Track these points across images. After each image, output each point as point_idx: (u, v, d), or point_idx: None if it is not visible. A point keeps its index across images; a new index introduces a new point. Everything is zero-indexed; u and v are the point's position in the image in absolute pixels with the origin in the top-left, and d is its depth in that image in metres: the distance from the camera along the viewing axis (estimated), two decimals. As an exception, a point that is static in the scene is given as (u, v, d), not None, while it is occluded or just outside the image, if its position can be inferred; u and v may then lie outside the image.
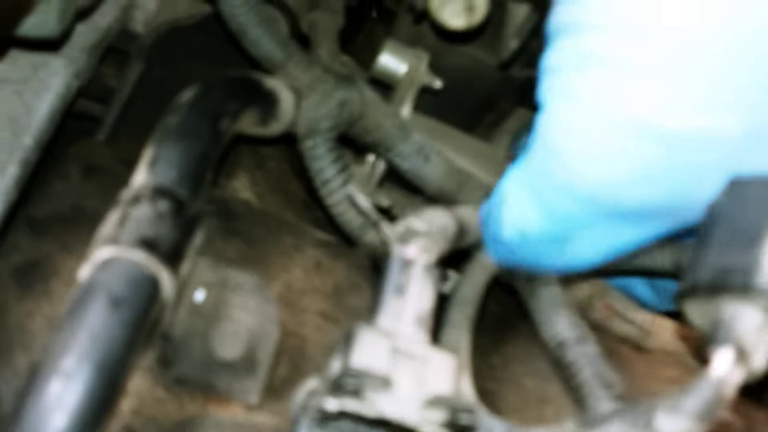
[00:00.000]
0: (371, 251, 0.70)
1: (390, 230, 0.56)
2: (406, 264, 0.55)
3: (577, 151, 0.52)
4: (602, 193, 0.53)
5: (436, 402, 0.48)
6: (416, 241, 0.56)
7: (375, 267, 0.76)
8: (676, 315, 0.92)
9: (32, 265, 0.60)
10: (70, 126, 0.85)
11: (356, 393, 0.46)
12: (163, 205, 0.52)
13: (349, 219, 0.68)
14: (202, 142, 0.56)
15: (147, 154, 0.55)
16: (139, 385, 0.57)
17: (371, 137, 0.73)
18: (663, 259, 0.66)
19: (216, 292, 0.58)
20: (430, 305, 0.55)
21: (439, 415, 0.48)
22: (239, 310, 0.58)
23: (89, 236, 0.62)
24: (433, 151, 0.74)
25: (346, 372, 0.47)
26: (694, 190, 0.50)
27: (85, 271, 0.50)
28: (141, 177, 0.53)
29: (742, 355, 0.43)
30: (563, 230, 0.57)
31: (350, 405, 0.46)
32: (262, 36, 0.70)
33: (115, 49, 0.90)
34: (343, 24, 0.87)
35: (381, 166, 0.79)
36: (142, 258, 0.49)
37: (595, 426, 0.49)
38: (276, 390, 0.60)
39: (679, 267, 0.65)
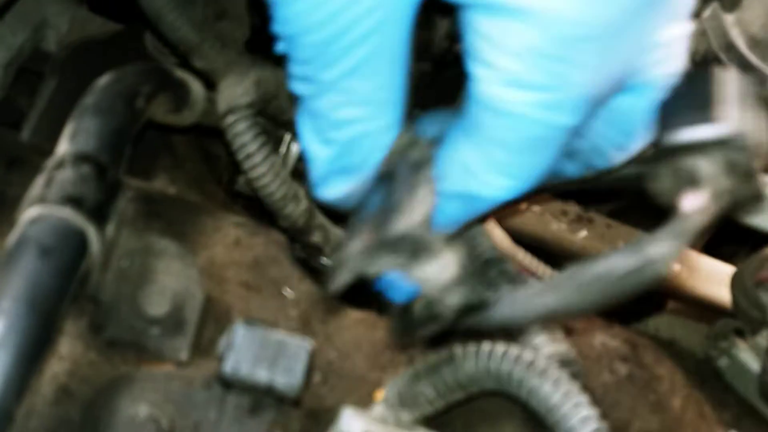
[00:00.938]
0: (291, 224, 0.74)
1: None
2: None
3: None
4: None
5: None
6: None
7: (292, 241, 0.80)
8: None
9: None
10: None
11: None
12: (86, 168, 0.56)
13: (272, 191, 0.71)
14: (119, 117, 0.60)
15: (67, 130, 0.59)
16: (72, 349, 0.59)
17: (287, 116, 0.77)
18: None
19: (141, 258, 0.61)
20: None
21: None
22: (164, 274, 0.61)
23: (13, 219, 0.65)
24: None
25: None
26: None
27: (15, 232, 0.53)
28: (63, 147, 0.57)
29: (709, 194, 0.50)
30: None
31: None
32: (177, 19, 0.75)
33: (27, 69, 0.93)
34: (248, 35, 0.93)
35: (296, 148, 0.83)
36: (68, 213, 0.53)
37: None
38: (204, 349, 0.63)
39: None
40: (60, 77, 0.89)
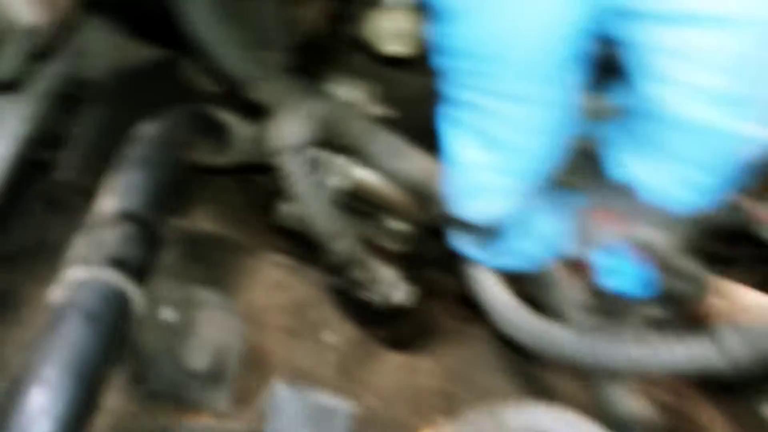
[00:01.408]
0: (336, 259, 0.74)
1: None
2: None
3: None
4: None
5: None
6: None
7: (335, 284, 0.80)
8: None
9: (2, 296, 0.62)
10: (25, 170, 0.88)
11: None
12: (130, 227, 0.55)
13: (321, 228, 0.71)
14: (162, 170, 0.60)
15: (109, 183, 0.59)
16: (114, 402, 0.59)
17: (341, 142, 0.76)
18: None
19: (182, 310, 0.61)
20: None
21: None
22: (205, 325, 0.61)
23: (55, 265, 0.65)
24: (402, 147, 0.76)
25: None
26: None
27: (57, 291, 0.53)
28: (106, 202, 0.57)
29: None
30: None
31: None
32: (232, 53, 0.74)
33: (67, 95, 0.93)
34: (289, 62, 0.92)
35: (331, 182, 0.83)
36: (112, 277, 0.52)
37: None
38: (244, 399, 0.63)
39: None
40: (100, 106, 0.89)
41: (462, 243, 0.65)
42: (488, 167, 0.51)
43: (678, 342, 0.53)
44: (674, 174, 0.47)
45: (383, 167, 0.77)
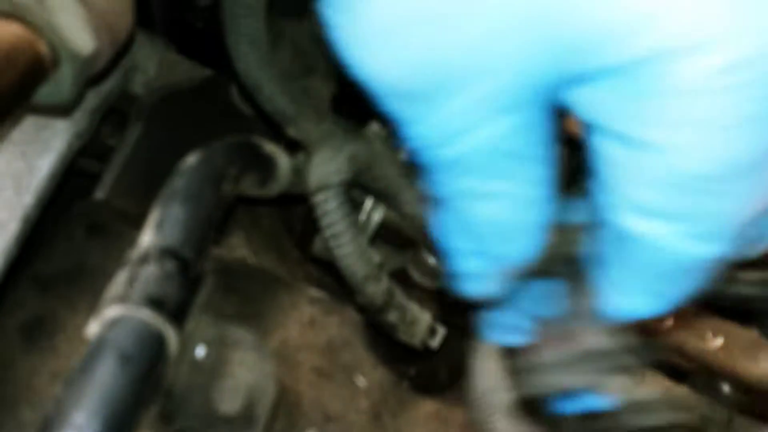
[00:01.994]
0: (369, 302, 0.73)
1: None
2: None
3: None
4: None
5: None
6: None
7: (369, 321, 0.79)
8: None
9: (37, 322, 0.62)
10: (67, 183, 0.88)
11: None
12: (170, 265, 0.54)
13: (356, 270, 0.71)
14: (206, 205, 0.59)
15: (153, 216, 0.58)
16: (140, 439, 0.58)
17: (377, 185, 0.76)
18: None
19: (216, 349, 0.60)
20: None
21: None
22: (238, 366, 0.60)
23: (92, 293, 0.64)
24: None
25: None
26: None
27: (94, 328, 0.52)
28: (148, 238, 0.56)
29: None
30: None
31: None
32: (275, 92, 0.74)
33: (114, 109, 0.93)
34: (335, 89, 0.91)
35: (376, 217, 0.82)
36: (149, 316, 0.51)
37: None
38: (272, 444, 0.62)
39: None
40: (145, 125, 0.89)
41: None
42: (473, 257, 0.51)
43: None
44: (628, 281, 0.47)
45: (415, 215, 0.77)
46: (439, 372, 0.88)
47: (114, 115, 0.94)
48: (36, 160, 0.83)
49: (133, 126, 0.90)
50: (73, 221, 0.68)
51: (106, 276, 0.65)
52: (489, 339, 0.64)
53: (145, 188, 0.83)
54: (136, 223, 0.70)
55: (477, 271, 0.51)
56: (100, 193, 0.88)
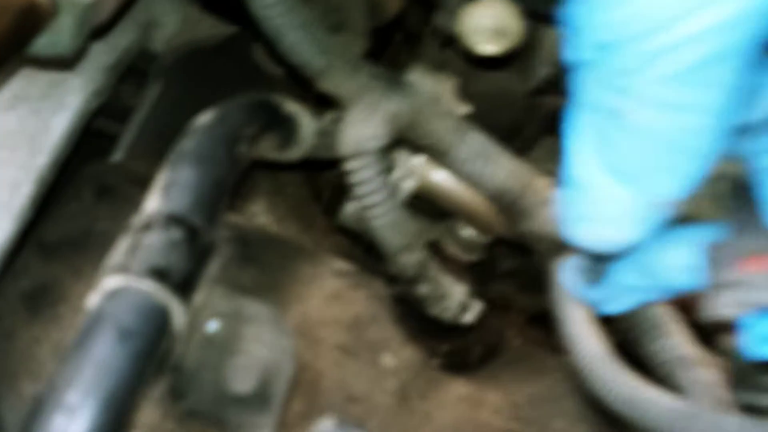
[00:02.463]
0: (401, 273, 0.67)
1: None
2: None
3: None
4: None
5: None
6: None
7: (397, 297, 0.74)
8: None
9: (41, 290, 0.58)
10: (86, 144, 0.84)
11: None
12: (176, 232, 0.50)
13: (391, 241, 0.65)
14: (218, 167, 0.54)
15: (160, 179, 0.53)
16: (149, 416, 0.54)
17: (424, 142, 0.69)
18: None
19: (230, 323, 0.56)
20: None
21: None
22: (253, 343, 0.55)
23: (99, 260, 0.60)
24: (493, 150, 0.69)
25: None
26: None
27: (93, 300, 0.48)
28: (153, 203, 0.52)
29: None
30: None
31: None
32: (300, 40, 0.64)
33: (134, 68, 0.89)
34: (367, 47, 0.85)
35: (407, 186, 0.76)
36: (152, 288, 0.47)
37: None
38: (290, 426, 0.58)
39: None
40: (163, 84, 0.84)
41: (565, 271, 0.56)
42: (616, 188, 0.42)
43: None
44: None
45: (469, 173, 0.70)
46: (473, 350, 0.83)
47: (134, 74, 0.90)
48: (50, 118, 0.79)
49: (152, 85, 0.86)
50: (83, 183, 0.64)
51: (114, 243, 0.61)
52: (598, 303, 0.55)
53: (160, 150, 0.78)
54: (147, 185, 0.66)
55: (620, 210, 0.43)
56: (116, 155, 0.84)
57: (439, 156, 0.71)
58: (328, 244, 0.83)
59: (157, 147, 0.79)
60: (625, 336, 0.60)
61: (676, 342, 0.57)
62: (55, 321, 0.57)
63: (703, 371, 0.55)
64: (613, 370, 0.52)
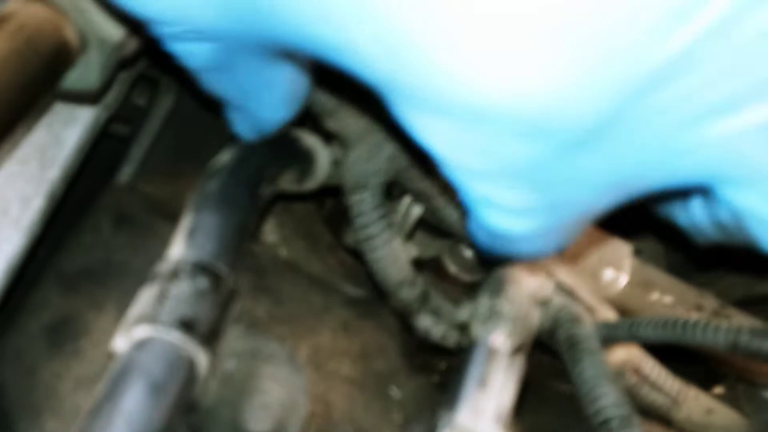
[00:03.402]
0: (404, 308, 0.70)
1: (469, 309, 0.53)
2: (491, 353, 0.53)
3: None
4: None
5: None
6: (502, 327, 0.54)
7: (404, 326, 0.75)
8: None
9: (62, 323, 0.59)
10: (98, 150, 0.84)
11: None
12: (202, 281, 0.51)
13: (389, 275, 0.67)
14: (241, 211, 0.55)
15: (185, 223, 0.54)
16: (166, 452, 0.56)
17: (416, 186, 0.72)
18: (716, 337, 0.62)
19: (247, 362, 0.57)
20: (511, 399, 0.53)
21: None
22: (270, 382, 0.57)
23: (119, 293, 0.61)
24: None
25: None
26: None
27: (121, 345, 0.49)
28: (178, 249, 0.53)
29: None
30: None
31: None
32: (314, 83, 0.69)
33: (145, 76, 0.88)
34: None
35: (415, 212, 0.78)
36: (180, 340, 0.48)
37: None
38: (302, 460, 0.60)
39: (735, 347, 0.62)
40: (175, 98, 0.84)
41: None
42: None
43: None
44: None
45: (451, 218, 0.73)
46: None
47: (144, 78, 0.89)
48: (62, 132, 0.79)
49: (164, 95, 0.86)
50: (100, 211, 0.65)
51: (134, 274, 0.62)
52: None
53: (174, 170, 0.79)
54: (165, 211, 0.66)
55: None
56: (128, 168, 0.85)
57: (426, 200, 0.74)
58: (334, 261, 0.84)
59: (169, 166, 0.80)
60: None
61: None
62: (76, 356, 0.58)
63: None
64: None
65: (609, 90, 0.37)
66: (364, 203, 0.66)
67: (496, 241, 0.49)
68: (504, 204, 0.45)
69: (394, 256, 0.68)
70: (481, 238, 0.50)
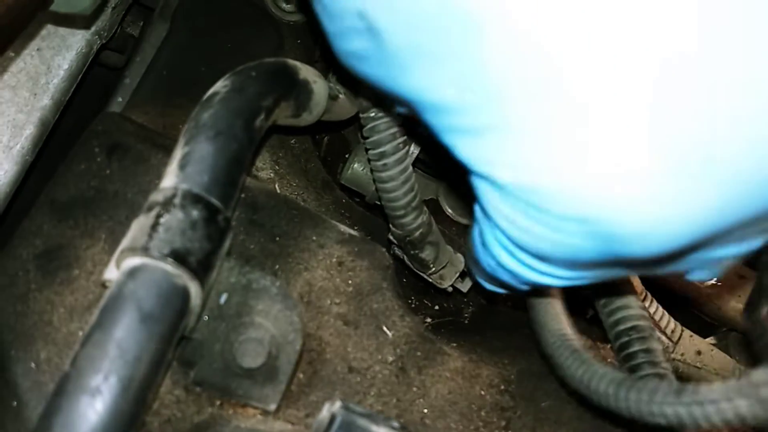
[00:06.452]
0: (406, 234, 0.69)
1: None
2: None
3: None
4: None
5: None
6: None
7: (398, 266, 0.75)
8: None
9: (54, 252, 0.58)
10: (91, 79, 0.82)
11: None
12: (196, 213, 0.50)
13: (398, 197, 0.67)
14: (237, 143, 0.54)
15: (178, 153, 0.53)
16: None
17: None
18: None
19: (240, 296, 0.56)
20: None
21: None
22: (262, 316, 0.56)
23: (111, 222, 0.60)
24: None
25: None
26: None
27: (112, 274, 0.49)
28: (171, 179, 0.51)
29: None
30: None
31: None
32: None
33: (140, 4, 0.86)
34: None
35: (414, 151, 0.77)
36: (172, 270, 0.48)
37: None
38: (294, 395, 0.59)
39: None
40: (170, 25, 0.82)
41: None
42: None
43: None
44: None
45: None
46: (463, 311, 0.85)
47: (136, 5, 0.87)
48: (53, 58, 0.77)
49: (157, 25, 0.83)
50: (92, 140, 0.63)
51: (127, 204, 0.61)
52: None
53: (167, 99, 0.77)
54: (159, 142, 0.65)
55: None
56: (120, 101, 0.83)
57: None
58: (329, 198, 0.83)
59: (161, 95, 0.78)
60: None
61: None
62: (68, 284, 0.57)
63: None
64: (570, 350, 0.57)
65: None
66: (377, 118, 0.66)
67: (506, 278, 0.54)
68: (543, 270, 0.49)
69: (405, 177, 0.67)
70: (492, 270, 0.54)
